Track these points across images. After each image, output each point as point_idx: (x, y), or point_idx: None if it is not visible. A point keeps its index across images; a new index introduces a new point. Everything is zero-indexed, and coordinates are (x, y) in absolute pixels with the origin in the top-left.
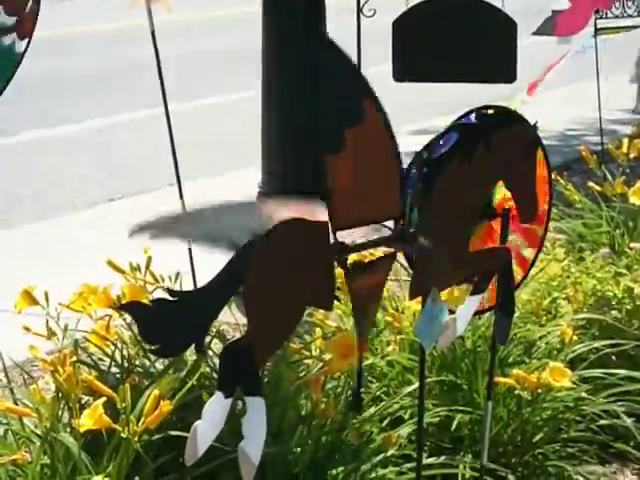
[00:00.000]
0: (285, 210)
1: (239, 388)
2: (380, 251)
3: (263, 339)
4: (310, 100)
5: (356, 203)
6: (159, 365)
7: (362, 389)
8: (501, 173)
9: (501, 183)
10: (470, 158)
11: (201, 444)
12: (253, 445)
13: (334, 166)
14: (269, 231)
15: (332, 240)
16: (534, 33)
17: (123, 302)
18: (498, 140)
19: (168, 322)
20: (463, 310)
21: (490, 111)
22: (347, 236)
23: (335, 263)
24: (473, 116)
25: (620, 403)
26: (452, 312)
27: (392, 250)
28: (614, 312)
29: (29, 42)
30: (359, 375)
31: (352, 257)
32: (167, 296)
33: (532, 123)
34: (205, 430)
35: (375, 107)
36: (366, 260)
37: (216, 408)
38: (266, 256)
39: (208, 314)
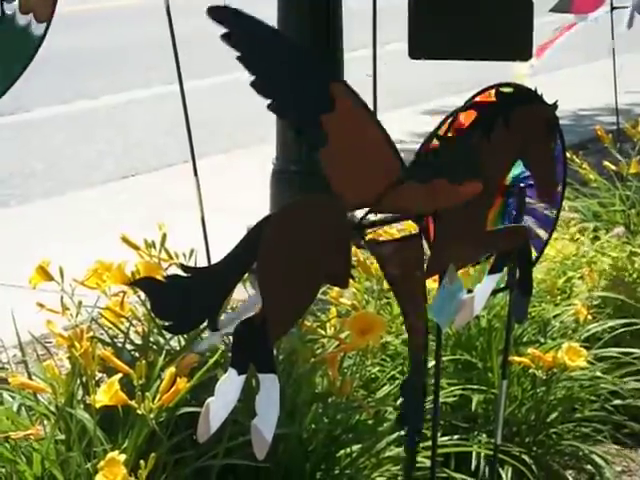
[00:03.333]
0: None
1: (252, 365)
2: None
3: (277, 316)
4: None
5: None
6: (174, 343)
7: None
8: (520, 151)
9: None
10: (489, 136)
11: (214, 421)
12: (266, 422)
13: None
14: (284, 207)
15: (348, 217)
16: (551, 10)
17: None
18: (517, 118)
19: (181, 298)
20: (481, 289)
21: (508, 89)
22: None
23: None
24: (490, 93)
25: (635, 383)
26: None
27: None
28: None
29: (48, 26)
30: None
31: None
32: (181, 272)
33: (551, 102)
34: (218, 407)
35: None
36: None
37: (229, 385)
38: (281, 232)
39: (222, 290)
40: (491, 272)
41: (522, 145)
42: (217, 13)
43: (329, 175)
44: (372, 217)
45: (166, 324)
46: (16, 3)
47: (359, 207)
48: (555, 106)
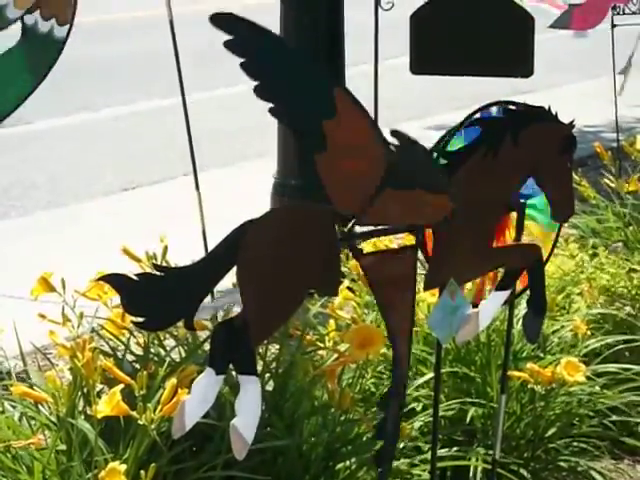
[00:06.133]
0: None
1: (232, 366)
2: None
3: (258, 319)
4: None
5: None
6: (175, 355)
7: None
8: (531, 169)
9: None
10: (495, 152)
11: (189, 419)
12: (246, 423)
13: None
14: (267, 213)
15: (337, 227)
16: (550, 26)
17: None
18: (527, 136)
19: (154, 296)
20: (487, 305)
21: (513, 107)
22: None
23: (345, 250)
24: (494, 110)
25: (633, 398)
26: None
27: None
28: (627, 308)
29: (70, 28)
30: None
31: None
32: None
33: (568, 121)
34: (193, 405)
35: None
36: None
37: (206, 384)
38: (262, 237)
39: (198, 291)
40: (499, 289)
41: (533, 163)
42: (221, 20)
43: (324, 180)
44: (364, 228)
45: (137, 321)
46: (37, 12)
47: (349, 215)
48: (572, 125)
